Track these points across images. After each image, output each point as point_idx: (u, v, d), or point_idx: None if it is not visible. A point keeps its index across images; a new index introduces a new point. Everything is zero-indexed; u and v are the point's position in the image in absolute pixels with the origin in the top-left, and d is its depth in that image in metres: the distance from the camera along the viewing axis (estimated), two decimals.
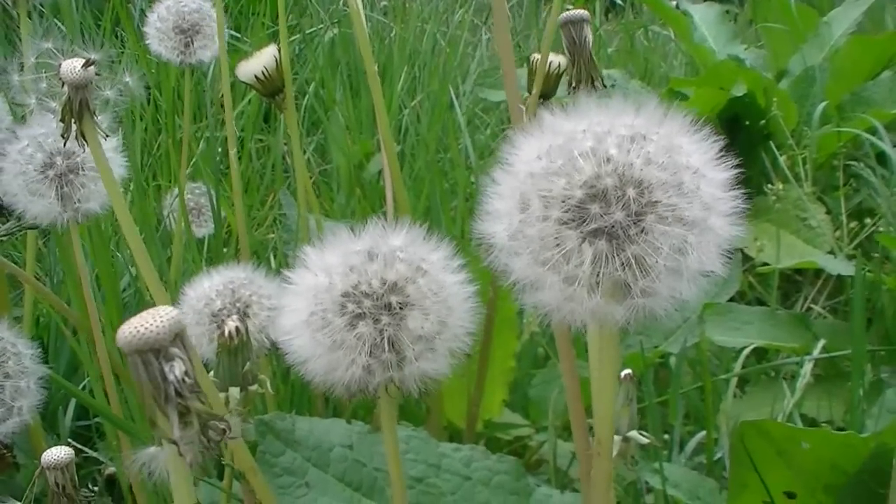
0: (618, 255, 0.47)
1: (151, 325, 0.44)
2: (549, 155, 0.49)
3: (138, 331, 0.44)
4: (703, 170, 0.49)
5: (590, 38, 0.71)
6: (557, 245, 0.48)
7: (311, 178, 1.91)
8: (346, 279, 0.60)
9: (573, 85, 0.72)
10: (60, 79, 0.65)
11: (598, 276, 0.48)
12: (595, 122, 0.50)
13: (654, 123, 0.50)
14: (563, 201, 0.48)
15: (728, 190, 0.50)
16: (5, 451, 1.06)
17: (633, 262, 0.47)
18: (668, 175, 0.48)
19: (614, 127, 0.49)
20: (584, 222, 0.48)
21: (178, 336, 0.44)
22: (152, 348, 0.44)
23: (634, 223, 0.48)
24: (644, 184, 0.48)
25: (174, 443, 0.45)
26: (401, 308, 0.59)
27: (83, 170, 0.93)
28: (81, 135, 0.67)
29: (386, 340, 0.59)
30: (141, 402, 0.45)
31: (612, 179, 0.48)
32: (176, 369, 0.44)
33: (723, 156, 0.50)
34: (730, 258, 0.49)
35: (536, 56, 1.05)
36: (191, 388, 0.44)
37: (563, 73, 1.08)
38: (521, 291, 0.50)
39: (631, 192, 0.47)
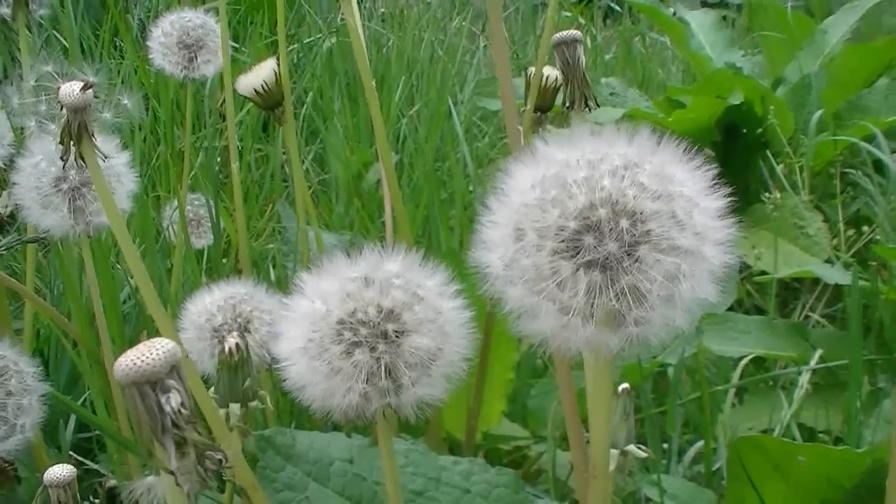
0: (612, 286, 0.48)
1: (148, 357, 0.44)
2: (542, 185, 0.50)
3: (135, 363, 0.44)
4: (696, 199, 0.50)
5: (582, 58, 0.71)
6: (552, 275, 0.49)
7: (309, 187, 1.91)
8: (343, 306, 0.60)
9: (567, 105, 0.72)
10: (59, 102, 0.66)
11: (592, 306, 0.48)
12: (588, 151, 0.50)
13: (647, 152, 0.50)
14: (557, 232, 0.49)
15: (721, 218, 0.50)
16: (7, 465, 1.06)
17: (627, 292, 0.48)
18: (662, 204, 0.49)
19: (608, 156, 0.50)
20: (578, 253, 0.48)
21: (175, 368, 0.45)
22: (149, 380, 0.44)
23: (628, 254, 0.48)
24: (637, 214, 0.48)
25: (171, 473, 0.45)
26: (397, 336, 0.60)
27: None
28: (80, 157, 0.67)
29: (383, 368, 0.59)
30: (138, 432, 0.45)
31: (605, 210, 0.48)
32: (172, 401, 0.44)
33: (716, 184, 0.50)
34: (723, 286, 0.50)
35: (532, 69, 1.05)
36: (187, 418, 0.45)
37: (559, 86, 1.08)
38: (517, 319, 0.51)
39: (624, 223, 0.48)
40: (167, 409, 0.44)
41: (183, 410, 0.45)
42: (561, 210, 0.49)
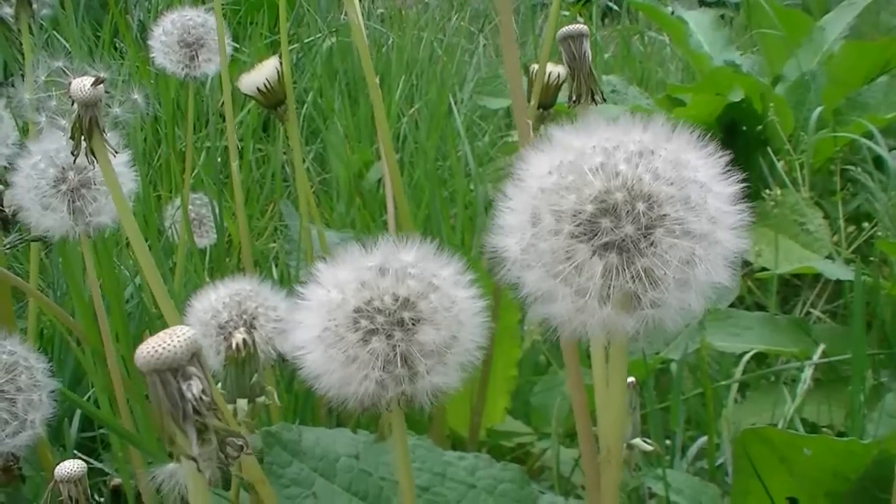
0: (628, 268, 0.49)
1: (169, 344, 0.45)
2: (559, 170, 0.50)
3: (156, 351, 0.45)
4: (710, 184, 0.50)
5: (589, 52, 0.71)
6: (569, 258, 0.49)
7: (310, 187, 1.91)
8: (359, 295, 0.60)
9: (573, 99, 0.72)
10: (70, 97, 0.66)
11: (608, 288, 0.49)
12: (604, 137, 0.51)
13: (662, 139, 0.51)
14: (574, 216, 0.49)
15: (734, 204, 0.51)
16: (11, 463, 1.06)
17: (643, 274, 0.49)
18: (676, 189, 0.49)
19: (623, 143, 0.50)
20: (595, 236, 0.49)
21: (195, 355, 0.45)
22: (170, 367, 0.45)
23: (644, 236, 0.49)
24: (653, 198, 0.49)
25: (193, 459, 0.45)
26: (413, 324, 0.60)
27: (95, 184, 0.94)
28: (91, 152, 0.67)
29: (398, 356, 0.59)
30: (159, 419, 0.45)
31: (621, 194, 0.49)
32: (193, 388, 0.45)
33: (729, 170, 0.51)
34: (736, 270, 0.50)
35: (535, 66, 1.05)
36: (208, 405, 0.45)
37: (562, 83, 1.09)
38: (534, 303, 0.51)
39: (640, 207, 0.49)
40: (188, 395, 0.45)
41: (204, 397, 0.45)
42: (578, 195, 0.50)
